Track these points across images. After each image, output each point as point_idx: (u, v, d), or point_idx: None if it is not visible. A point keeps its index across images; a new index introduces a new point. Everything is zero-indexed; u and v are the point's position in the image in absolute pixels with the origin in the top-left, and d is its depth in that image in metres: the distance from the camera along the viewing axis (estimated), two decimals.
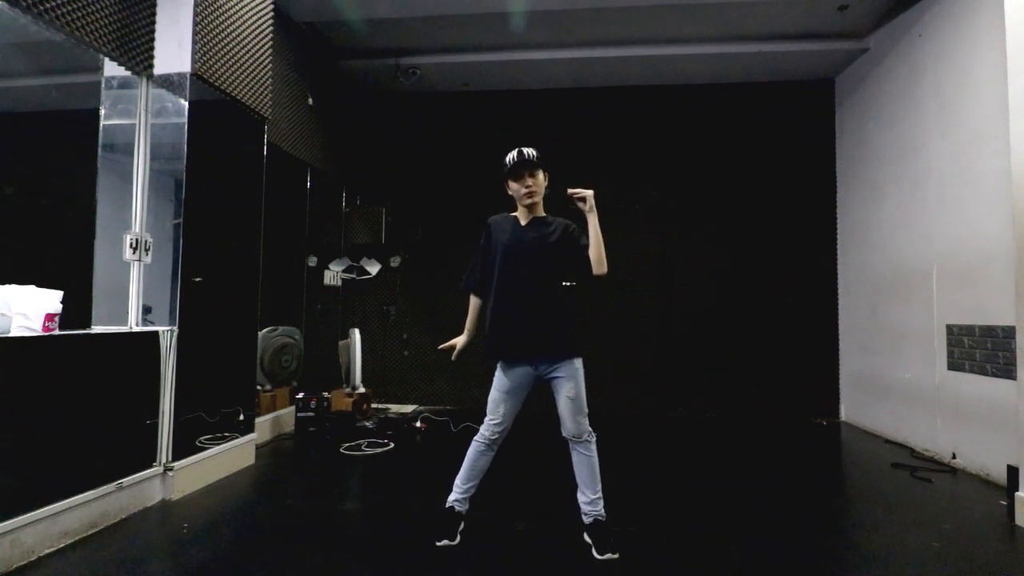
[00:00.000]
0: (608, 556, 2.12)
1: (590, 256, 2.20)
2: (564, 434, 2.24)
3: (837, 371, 5.06)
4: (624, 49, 4.79)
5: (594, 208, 2.20)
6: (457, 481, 2.32)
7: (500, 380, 2.27)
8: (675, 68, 5.05)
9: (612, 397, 5.08)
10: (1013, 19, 2.60)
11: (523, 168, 2.23)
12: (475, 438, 2.31)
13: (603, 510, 2.24)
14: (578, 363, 2.24)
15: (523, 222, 2.31)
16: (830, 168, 5.18)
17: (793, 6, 4.17)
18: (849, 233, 4.95)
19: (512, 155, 2.24)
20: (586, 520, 2.24)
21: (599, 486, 2.25)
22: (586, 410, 2.23)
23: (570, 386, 2.20)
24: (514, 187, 2.27)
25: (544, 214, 2.33)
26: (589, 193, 2.19)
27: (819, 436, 4.43)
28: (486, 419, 2.28)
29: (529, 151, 2.23)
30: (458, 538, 2.23)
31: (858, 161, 4.79)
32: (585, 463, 2.24)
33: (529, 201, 2.26)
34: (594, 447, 2.25)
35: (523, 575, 2.07)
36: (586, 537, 2.23)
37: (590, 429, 2.24)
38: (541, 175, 2.27)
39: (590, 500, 2.23)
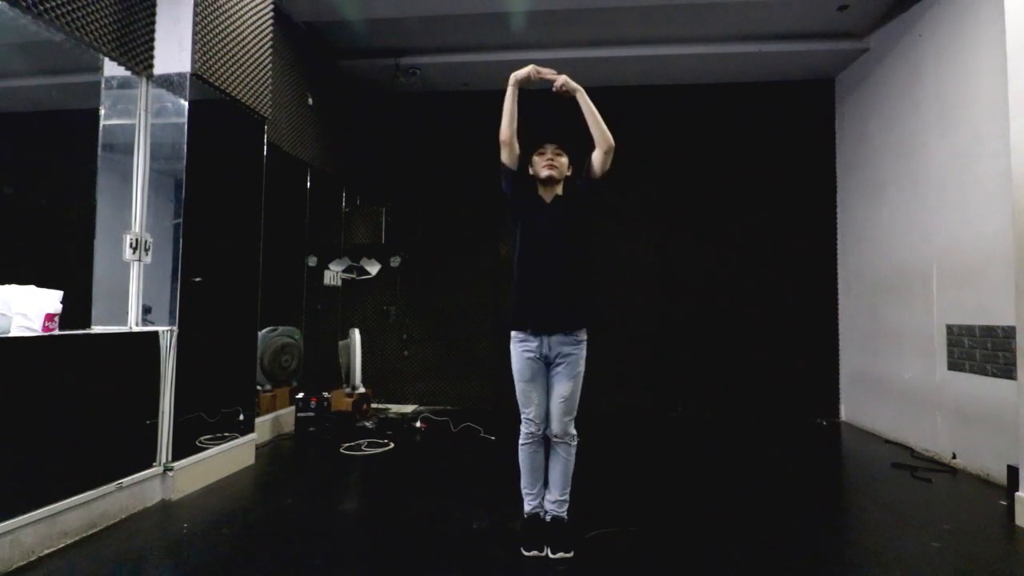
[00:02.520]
0: (561, 555, 2.13)
1: (594, 136, 2.21)
2: (548, 432, 2.25)
3: (837, 371, 5.06)
4: (624, 49, 4.79)
5: (577, 88, 2.22)
6: (524, 489, 2.31)
7: (519, 368, 2.25)
8: (675, 68, 5.05)
9: (612, 397, 5.07)
10: (1013, 19, 2.60)
11: (547, 141, 2.28)
12: (520, 441, 2.28)
13: (566, 512, 2.26)
14: (583, 353, 2.24)
15: (546, 200, 2.31)
16: (830, 168, 5.18)
17: (793, 6, 4.17)
18: (849, 233, 4.95)
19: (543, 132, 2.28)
20: (546, 517, 2.26)
21: (568, 489, 2.27)
22: (575, 412, 2.25)
23: (568, 385, 2.21)
24: (536, 160, 2.30)
25: (560, 193, 2.33)
26: (561, 78, 2.21)
27: (819, 436, 4.43)
28: (523, 415, 2.27)
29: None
30: (546, 550, 2.16)
31: (858, 161, 4.79)
32: (561, 464, 2.26)
33: (546, 173, 2.27)
34: (574, 451, 2.26)
35: (524, 573, 2.07)
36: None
37: (575, 432, 2.26)
38: (565, 158, 2.30)
39: (556, 500, 2.26)
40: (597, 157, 2.23)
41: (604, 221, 5.14)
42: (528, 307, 2.24)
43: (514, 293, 2.30)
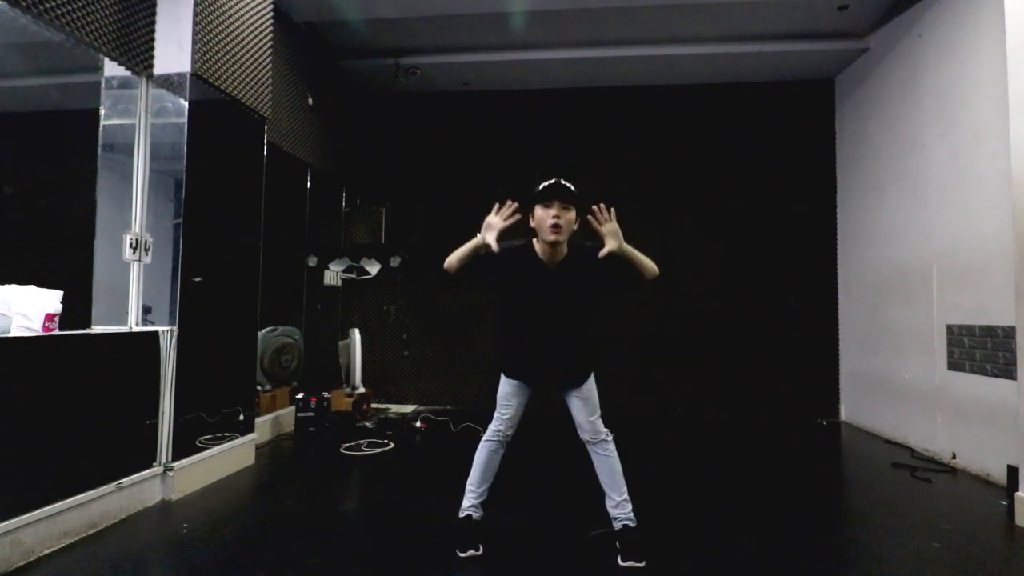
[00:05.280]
0: (631, 564, 2.04)
1: (637, 273, 2.09)
2: (581, 437, 2.22)
3: (837, 371, 5.06)
4: (624, 49, 4.79)
5: (618, 236, 2.02)
6: (470, 485, 2.26)
7: (510, 385, 2.24)
8: (675, 68, 5.04)
9: (612, 398, 5.02)
10: (1013, 19, 2.60)
11: (555, 196, 2.01)
12: (485, 437, 2.26)
13: (632, 514, 2.18)
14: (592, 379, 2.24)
15: (547, 263, 2.10)
16: (830, 168, 5.18)
17: (793, 6, 4.17)
18: (849, 233, 4.95)
19: (548, 182, 2.05)
20: (615, 525, 2.19)
21: (624, 488, 2.19)
22: (599, 411, 2.21)
23: (583, 388, 2.19)
24: (539, 215, 2.04)
25: (566, 251, 2.12)
26: (610, 228, 2.01)
27: (819, 436, 4.43)
28: (496, 414, 2.24)
29: (567, 183, 2.05)
30: (481, 548, 2.15)
31: (858, 161, 4.79)
32: (605, 464, 2.20)
33: (553, 238, 2.02)
34: (613, 447, 2.21)
35: (524, 573, 2.07)
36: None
37: (606, 429, 2.21)
38: (573, 214, 2.05)
39: (616, 503, 2.18)
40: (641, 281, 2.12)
41: None
42: (527, 368, 2.20)
43: (508, 348, 2.24)
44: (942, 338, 3.63)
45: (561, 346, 2.17)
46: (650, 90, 5.38)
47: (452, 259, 2.10)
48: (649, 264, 2.08)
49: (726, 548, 2.28)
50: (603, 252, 2.02)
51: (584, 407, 2.18)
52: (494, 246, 2.01)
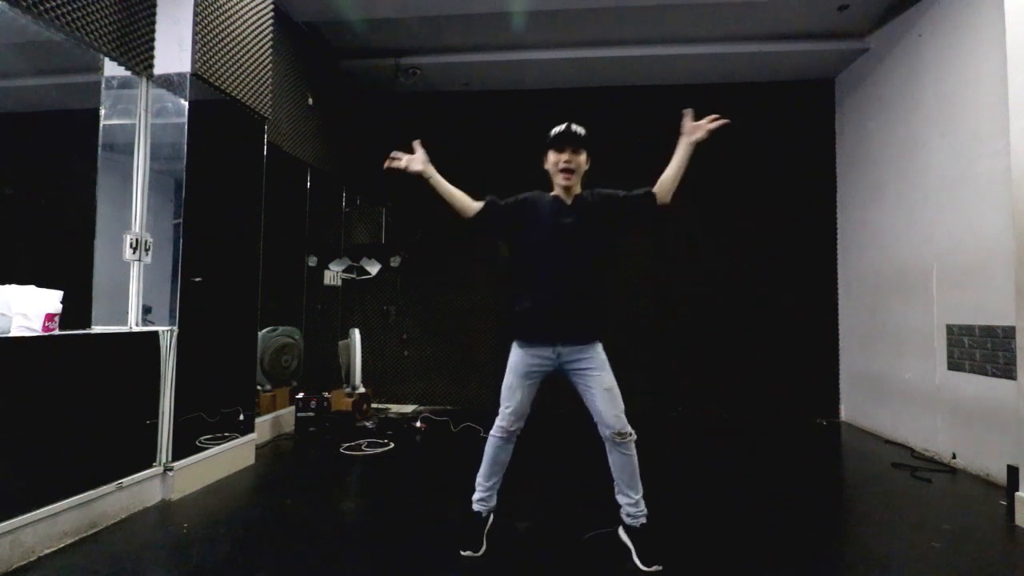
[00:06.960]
0: (655, 568, 2.00)
1: (661, 180, 2.20)
2: (604, 433, 2.13)
3: (837, 371, 5.06)
4: (624, 49, 4.79)
5: (694, 139, 2.18)
6: (479, 478, 2.25)
7: (516, 364, 2.17)
8: (675, 68, 5.04)
9: None
10: (1013, 19, 2.60)
11: (566, 142, 2.15)
12: (491, 432, 2.22)
13: (646, 511, 2.16)
14: (601, 349, 2.14)
15: (563, 201, 2.19)
16: (830, 168, 5.18)
17: (793, 6, 4.17)
18: (849, 233, 4.95)
19: (560, 127, 2.17)
20: (628, 521, 2.16)
21: (640, 487, 2.17)
22: (623, 406, 2.13)
23: (603, 376, 2.09)
24: (552, 159, 2.18)
25: (580, 191, 2.23)
26: (712, 126, 2.15)
27: (819, 436, 4.43)
28: (501, 408, 2.19)
29: (578, 127, 2.17)
30: (483, 547, 2.14)
31: (858, 161, 4.79)
32: (626, 464, 2.14)
33: (564, 182, 2.15)
34: (634, 447, 2.15)
35: (524, 573, 2.07)
36: (625, 539, 2.17)
37: (631, 428, 2.13)
38: (584, 156, 2.19)
39: (634, 501, 2.15)
40: (653, 203, 2.19)
41: None
42: (537, 322, 2.11)
43: (518, 294, 2.17)
44: (942, 338, 3.63)
45: (572, 287, 2.10)
46: (650, 90, 5.38)
47: (459, 207, 2.31)
48: (677, 180, 2.25)
49: (725, 548, 2.28)
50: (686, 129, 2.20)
51: (608, 400, 2.08)
52: (420, 162, 2.41)
